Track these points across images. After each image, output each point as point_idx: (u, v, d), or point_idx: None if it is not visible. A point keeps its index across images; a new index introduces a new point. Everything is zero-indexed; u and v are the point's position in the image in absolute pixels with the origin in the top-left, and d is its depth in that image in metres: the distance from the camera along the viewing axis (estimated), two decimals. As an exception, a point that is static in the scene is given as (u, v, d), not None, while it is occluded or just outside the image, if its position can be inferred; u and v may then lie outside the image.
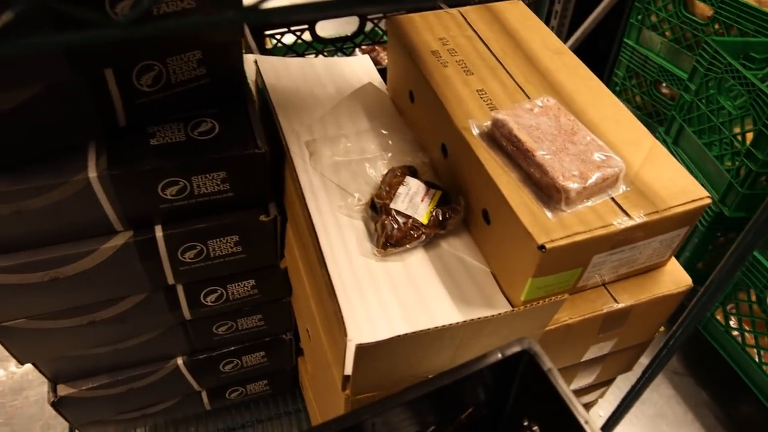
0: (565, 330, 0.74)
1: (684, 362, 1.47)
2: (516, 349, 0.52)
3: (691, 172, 1.34)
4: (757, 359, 1.29)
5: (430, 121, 0.86)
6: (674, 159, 0.77)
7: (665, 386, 1.41)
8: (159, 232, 0.81)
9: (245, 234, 0.85)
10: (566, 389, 0.49)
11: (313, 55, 1.38)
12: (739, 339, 1.32)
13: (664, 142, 1.46)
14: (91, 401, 1.03)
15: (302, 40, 1.34)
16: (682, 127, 1.39)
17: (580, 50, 1.69)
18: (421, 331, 0.58)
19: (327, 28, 1.40)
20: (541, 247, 0.64)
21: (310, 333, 0.85)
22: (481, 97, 0.81)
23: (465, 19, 0.97)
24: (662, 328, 0.88)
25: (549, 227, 0.66)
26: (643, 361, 0.97)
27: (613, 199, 0.71)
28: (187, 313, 0.94)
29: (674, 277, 0.80)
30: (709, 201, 0.72)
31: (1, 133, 0.68)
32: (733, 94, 1.27)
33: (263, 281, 0.94)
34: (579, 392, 0.98)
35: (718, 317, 1.37)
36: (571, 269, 0.70)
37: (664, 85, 1.64)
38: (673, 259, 0.82)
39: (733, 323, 1.35)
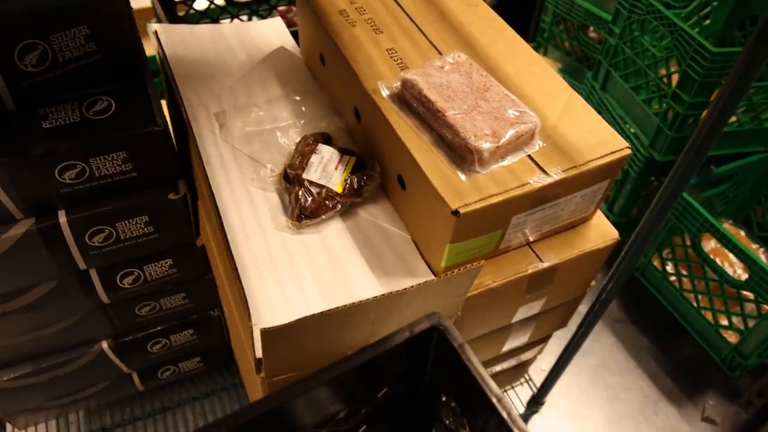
0: (490, 293, 0.72)
1: (624, 309, 1.48)
2: (425, 325, 0.50)
3: (621, 118, 1.34)
4: (695, 304, 1.30)
5: (342, 84, 0.82)
6: (592, 110, 0.75)
7: (606, 335, 1.41)
8: (62, 217, 0.76)
9: (155, 214, 0.80)
10: (478, 366, 0.47)
11: (229, 20, 1.31)
12: (677, 284, 1.33)
13: (592, 88, 1.44)
14: (16, 391, 0.99)
15: (215, 4, 1.27)
16: (609, 72, 1.37)
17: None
18: (329, 310, 0.56)
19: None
20: (455, 212, 0.62)
21: (227, 314, 0.82)
22: (392, 57, 0.78)
23: (375, -27, 0.92)
24: (593, 283, 0.87)
25: (463, 191, 0.63)
26: (582, 309, 0.96)
27: (529, 156, 0.68)
28: (104, 297, 0.90)
29: (600, 231, 0.79)
30: (628, 152, 0.71)
31: None
32: (657, 36, 1.25)
33: (181, 260, 0.90)
34: (515, 351, 0.97)
35: (655, 263, 1.37)
36: (490, 232, 0.68)
37: (591, 29, 1.62)
38: (599, 212, 0.80)
39: (670, 269, 1.36)
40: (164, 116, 0.73)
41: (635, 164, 1.32)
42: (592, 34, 1.63)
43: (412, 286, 0.59)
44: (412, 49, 0.79)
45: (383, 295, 0.57)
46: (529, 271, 0.73)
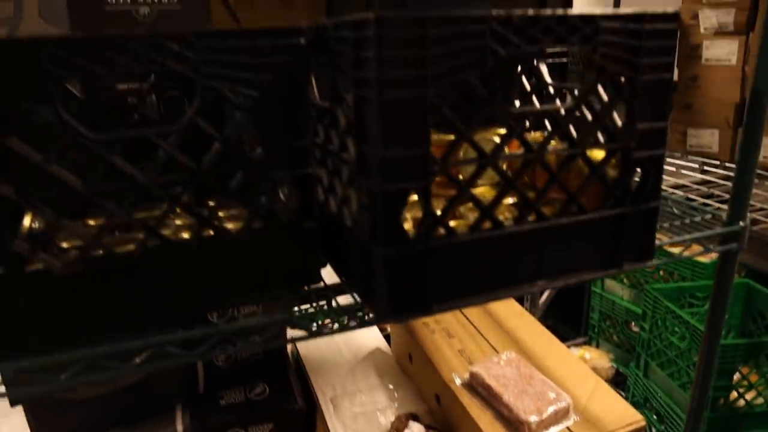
0: None
1: None
2: None
3: (664, 401, 1.55)
4: None
5: (426, 376, 1.11)
6: (614, 391, 1.01)
7: None
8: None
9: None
10: None
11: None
12: None
13: (636, 376, 1.68)
14: None
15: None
16: (648, 361, 1.62)
17: (559, 298, 1.97)
18: None
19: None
20: (512, 469, 0.85)
21: None
22: (462, 355, 1.07)
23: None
24: None
25: (517, 454, 0.88)
26: None
27: (567, 427, 0.93)
28: None
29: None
30: (643, 423, 0.95)
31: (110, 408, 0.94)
32: (679, 333, 1.52)
33: None
34: None
35: None
36: (541, 487, 0.90)
37: (633, 324, 1.90)
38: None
39: None
40: (303, 399, 1.03)
41: (682, 442, 1.50)
42: (635, 329, 1.91)
43: None
44: (476, 348, 1.09)
45: None
46: None
